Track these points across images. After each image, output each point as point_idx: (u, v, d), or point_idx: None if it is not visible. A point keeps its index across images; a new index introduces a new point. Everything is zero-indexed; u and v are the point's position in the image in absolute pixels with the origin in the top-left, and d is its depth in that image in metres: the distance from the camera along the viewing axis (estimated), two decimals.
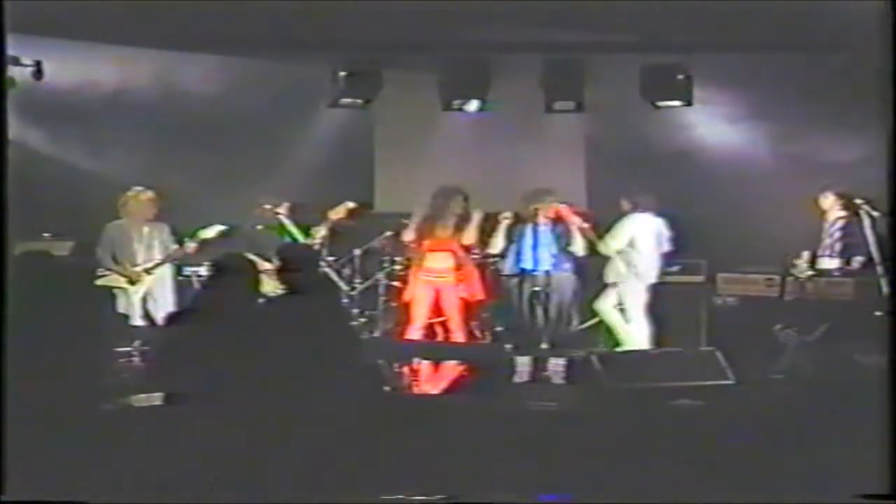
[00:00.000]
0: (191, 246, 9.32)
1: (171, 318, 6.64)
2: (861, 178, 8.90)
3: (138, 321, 9.21)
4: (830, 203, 9.64)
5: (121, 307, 9.21)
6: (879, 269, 8.51)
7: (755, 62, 10.67)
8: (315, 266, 7.25)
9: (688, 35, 10.45)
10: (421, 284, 9.57)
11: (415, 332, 9.56)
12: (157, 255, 9.39)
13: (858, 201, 8.86)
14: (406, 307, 9.74)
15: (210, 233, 9.32)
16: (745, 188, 10.70)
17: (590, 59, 10.81)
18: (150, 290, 9.37)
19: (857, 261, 9.26)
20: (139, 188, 9.50)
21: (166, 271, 9.49)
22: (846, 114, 9.90)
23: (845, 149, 10.05)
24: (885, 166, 5.20)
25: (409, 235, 9.67)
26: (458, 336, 9.58)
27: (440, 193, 9.60)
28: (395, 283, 10.28)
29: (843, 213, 9.50)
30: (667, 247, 9.61)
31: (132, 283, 9.30)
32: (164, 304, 9.26)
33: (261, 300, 6.07)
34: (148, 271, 9.35)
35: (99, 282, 9.02)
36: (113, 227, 9.41)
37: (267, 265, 6.86)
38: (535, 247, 9.19)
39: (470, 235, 9.43)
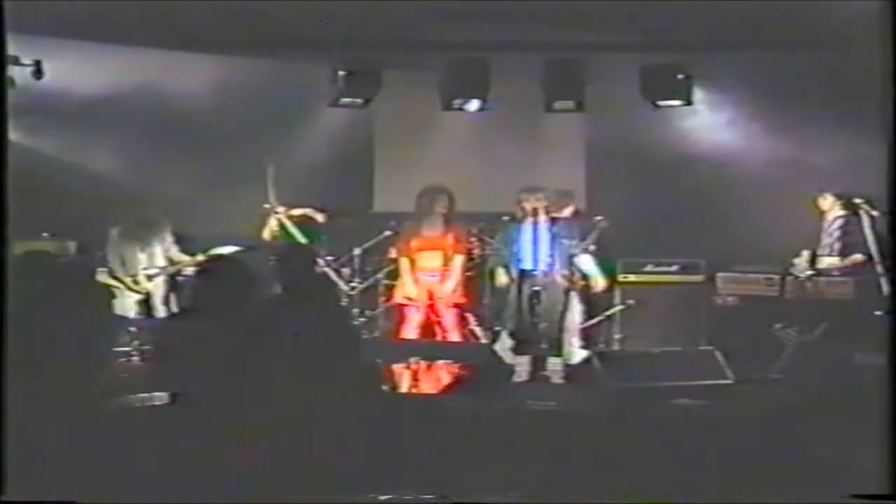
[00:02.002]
0: (200, 258, 9.30)
1: (168, 320, 6.65)
2: (861, 178, 8.89)
3: (136, 323, 9.22)
4: (830, 203, 9.64)
5: (118, 309, 9.23)
6: (879, 269, 8.51)
7: (755, 62, 10.66)
8: (313, 266, 7.25)
9: (688, 35, 10.44)
10: (414, 284, 9.60)
11: (411, 332, 9.58)
12: (159, 260, 9.40)
13: (858, 201, 8.86)
14: (400, 307, 9.77)
15: (224, 251, 9.32)
16: (744, 187, 10.69)
17: (590, 59, 10.80)
18: (150, 295, 9.39)
19: (856, 258, 9.25)
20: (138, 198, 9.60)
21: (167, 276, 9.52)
22: (846, 114, 9.89)
23: (845, 148, 10.04)
24: (885, 166, 5.20)
25: (400, 238, 9.75)
26: (453, 336, 9.60)
27: (424, 193, 9.65)
28: (393, 283, 10.30)
29: (842, 213, 9.50)
30: None
31: (132, 288, 9.33)
32: (163, 308, 9.27)
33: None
34: (150, 277, 9.36)
35: (99, 279, 9.06)
36: (115, 232, 9.45)
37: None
38: (533, 246, 9.19)
39: None
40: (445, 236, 9.58)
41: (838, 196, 9.55)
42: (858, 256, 9.20)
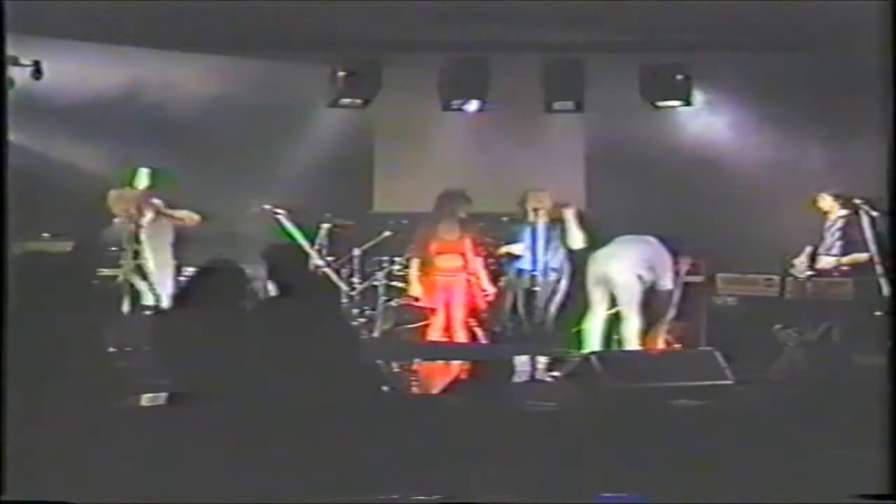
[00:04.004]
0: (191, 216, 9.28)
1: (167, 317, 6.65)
2: (861, 178, 8.90)
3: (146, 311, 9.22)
4: (829, 204, 9.64)
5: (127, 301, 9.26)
6: (879, 269, 8.51)
7: (755, 62, 10.66)
8: (305, 265, 7.29)
9: (688, 35, 10.44)
10: (434, 285, 9.63)
11: (435, 333, 9.62)
12: (167, 253, 9.40)
13: (858, 201, 8.86)
14: (420, 309, 9.81)
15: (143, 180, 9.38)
16: (744, 188, 10.69)
17: (590, 59, 10.80)
18: (151, 282, 9.35)
19: (858, 256, 9.25)
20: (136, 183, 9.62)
21: (168, 261, 9.48)
22: (846, 114, 9.89)
23: (845, 148, 10.05)
24: (885, 166, 5.20)
25: (416, 239, 9.78)
26: (464, 335, 9.65)
27: (446, 196, 9.70)
28: (395, 283, 10.32)
29: (842, 213, 9.51)
30: None
31: (137, 275, 9.33)
32: (165, 296, 9.23)
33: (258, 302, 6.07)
34: (141, 262, 9.36)
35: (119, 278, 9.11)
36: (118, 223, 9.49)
37: None
38: (532, 247, 9.22)
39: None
40: (464, 238, 9.64)
41: (837, 196, 9.56)
42: (860, 255, 9.21)
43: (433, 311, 9.69)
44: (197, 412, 5.24)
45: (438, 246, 9.65)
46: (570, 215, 9.46)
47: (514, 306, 9.46)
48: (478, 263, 9.69)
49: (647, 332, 9.55)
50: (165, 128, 10.75)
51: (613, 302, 9.59)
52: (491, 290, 9.68)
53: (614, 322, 9.66)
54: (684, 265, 9.74)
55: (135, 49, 10.36)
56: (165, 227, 9.66)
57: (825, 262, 9.48)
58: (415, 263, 9.79)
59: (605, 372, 8.03)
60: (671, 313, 9.68)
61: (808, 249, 9.55)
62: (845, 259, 9.38)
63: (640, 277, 9.37)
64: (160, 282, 9.39)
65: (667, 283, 9.50)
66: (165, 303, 9.12)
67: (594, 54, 10.81)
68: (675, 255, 9.59)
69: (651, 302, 9.55)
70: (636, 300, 9.39)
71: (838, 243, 9.51)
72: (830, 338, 9.04)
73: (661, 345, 9.54)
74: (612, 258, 9.45)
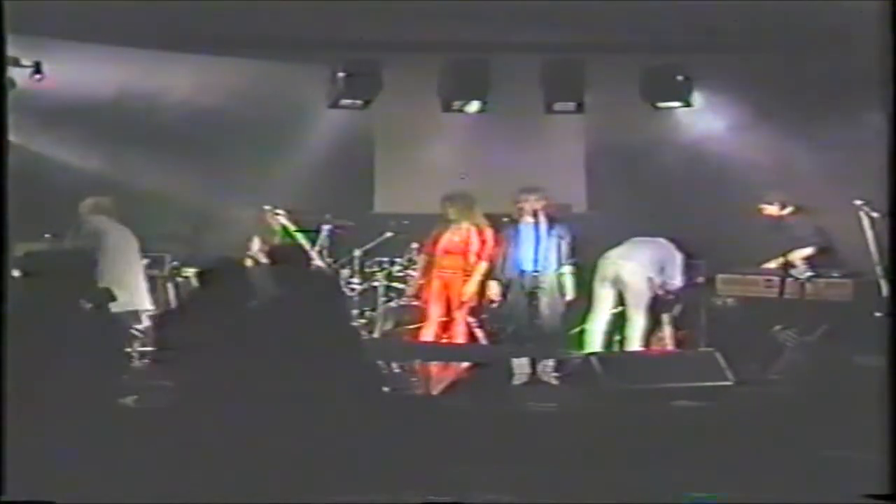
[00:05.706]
0: None
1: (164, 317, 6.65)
2: (860, 178, 8.90)
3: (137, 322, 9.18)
4: (774, 210, 9.74)
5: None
6: (878, 270, 8.52)
7: (755, 63, 10.66)
8: (307, 266, 7.31)
9: (688, 35, 10.44)
10: (435, 283, 9.67)
11: (429, 333, 9.64)
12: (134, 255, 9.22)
13: (858, 202, 8.86)
14: (422, 308, 9.84)
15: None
16: (744, 188, 10.69)
17: (590, 59, 10.80)
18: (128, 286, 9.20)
19: (799, 253, 9.46)
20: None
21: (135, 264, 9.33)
22: (845, 113, 9.89)
23: (844, 148, 10.05)
24: (884, 166, 5.20)
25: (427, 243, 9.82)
26: (461, 334, 9.66)
27: (453, 198, 9.73)
28: (395, 284, 10.33)
29: (784, 213, 9.62)
30: None
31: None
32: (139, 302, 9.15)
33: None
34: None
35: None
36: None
37: None
38: (533, 247, 9.23)
39: None
40: (470, 240, 9.67)
41: (778, 201, 9.67)
42: (801, 251, 9.45)
43: (434, 310, 9.70)
44: (197, 412, 5.24)
45: (444, 246, 9.70)
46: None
47: (514, 307, 9.44)
48: (482, 266, 9.69)
49: (650, 333, 9.60)
50: (166, 128, 10.75)
51: (619, 302, 9.61)
52: (494, 290, 9.68)
53: (618, 322, 9.68)
54: (694, 267, 9.81)
55: (135, 50, 10.36)
56: (125, 230, 9.39)
57: (777, 262, 9.57)
58: (420, 263, 9.84)
59: (606, 373, 8.04)
60: (677, 314, 9.75)
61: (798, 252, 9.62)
62: (791, 256, 9.46)
63: (650, 279, 9.47)
64: (132, 284, 9.20)
65: (676, 282, 9.59)
66: (146, 305, 9.06)
67: (594, 54, 10.81)
68: (686, 255, 9.66)
69: (657, 303, 9.62)
70: (644, 302, 9.47)
71: (785, 242, 9.59)
72: (830, 339, 9.04)
73: (663, 346, 9.56)
74: (624, 259, 9.52)
